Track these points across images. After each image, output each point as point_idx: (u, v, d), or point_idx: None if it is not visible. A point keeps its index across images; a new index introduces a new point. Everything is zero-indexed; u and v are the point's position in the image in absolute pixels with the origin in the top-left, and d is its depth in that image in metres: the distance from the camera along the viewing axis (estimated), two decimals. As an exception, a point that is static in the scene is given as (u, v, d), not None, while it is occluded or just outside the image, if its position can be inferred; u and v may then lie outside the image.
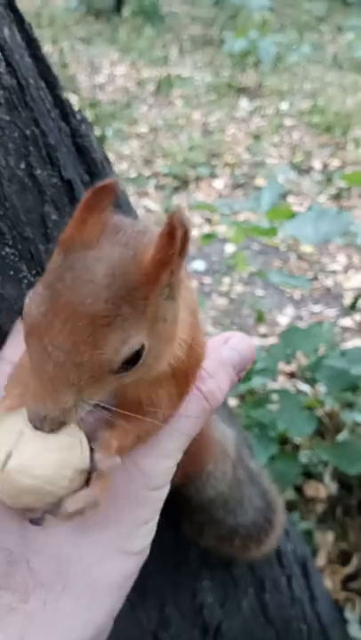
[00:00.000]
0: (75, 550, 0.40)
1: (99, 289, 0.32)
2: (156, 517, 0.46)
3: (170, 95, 5.70)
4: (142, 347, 0.35)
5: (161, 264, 0.33)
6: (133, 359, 0.34)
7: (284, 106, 5.59)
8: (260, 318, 2.37)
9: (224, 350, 0.48)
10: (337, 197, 4.12)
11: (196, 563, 0.78)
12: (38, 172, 0.50)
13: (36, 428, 0.35)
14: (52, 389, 0.33)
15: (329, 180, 4.25)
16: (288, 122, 5.29)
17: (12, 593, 0.39)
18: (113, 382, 0.36)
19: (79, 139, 0.57)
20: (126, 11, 7.53)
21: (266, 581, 0.87)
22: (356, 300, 1.90)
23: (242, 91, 5.86)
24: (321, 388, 1.87)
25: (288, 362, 1.78)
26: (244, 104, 5.63)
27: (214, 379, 0.46)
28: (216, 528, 0.74)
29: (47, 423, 0.34)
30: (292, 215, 1.85)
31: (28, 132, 0.49)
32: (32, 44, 0.54)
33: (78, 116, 0.58)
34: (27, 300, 0.34)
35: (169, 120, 5.13)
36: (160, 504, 0.46)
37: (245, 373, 0.51)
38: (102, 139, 4.22)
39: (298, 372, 2.31)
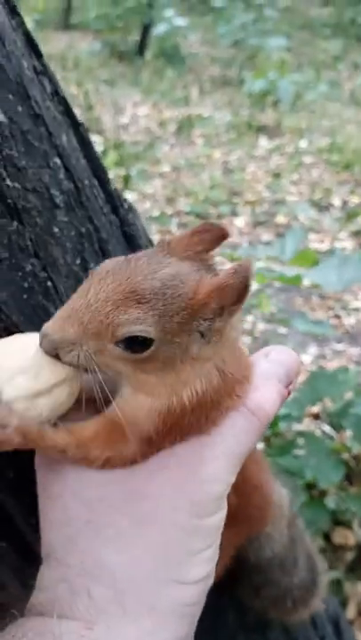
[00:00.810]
0: (130, 579, 0.42)
1: (154, 279, 0.39)
2: (215, 545, 0.45)
3: (191, 135, 5.84)
4: (148, 341, 0.39)
5: (210, 301, 0.39)
6: (135, 344, 0.39)
7: (303, 144, 5.68)
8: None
9: (266, 364, 0.47)
10: (358, 234, 4.14)
11: (232, 626, 0.79)
12: (91, 265, 0.54)
13: (45, 349, 0.40)
14: (66, 319, 0.40)
15: (349, 217, 4.28)
16: (307, 159, 5.37)
17: (78, 621, 0.40)
18: (111, 354, 0.40)
19: (127, 227, 0.61)
20: (148, 53, 7.79)
21: (300, 642, 0.87)
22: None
23: (261, 129, 5.98)
24: (347, 433, 1.87)
25: (313, 404, 1.79)
26: (264, 142, 5.73)
27: (259, 392, 0.45)
28: (273, 589, 0.74)
29: (46, 341, 0.40)
30: (317, 262, 1.88)
31: (83, 230, 0.54)
32: (86, 145, 0.58)
33: (125, 205, 0.63)
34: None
35: (190, 159, 5.25)
36: (216, 531, 0.45)
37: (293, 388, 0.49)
38: (127, 179, 4.34)
39: (322, 414, 2.31)
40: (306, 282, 1.77)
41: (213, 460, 0.43)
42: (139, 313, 0.39)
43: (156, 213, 4.28)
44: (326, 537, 1.74)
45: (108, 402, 0.44)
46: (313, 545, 0.82)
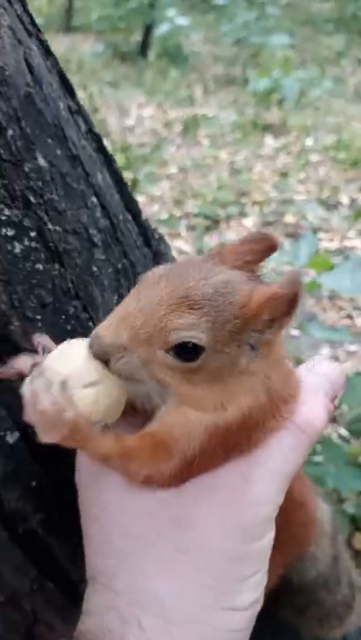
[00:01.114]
0: (179, 609, 0.41)
1: (206, 285, 0.39)
2: (264, 569, 0.44)
3: (197, 135, 5.83)
4: (200, 349, 0.39)
5: (263, 311, 0.39)
6: (187, 352, 0.39)
7: (309, 142, 5.65)
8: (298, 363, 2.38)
9: (311, 378, 0.47)
10: (367, 233, 4.13)
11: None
12: (128, 300, 0.54)
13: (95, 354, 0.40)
14: (119, 323, 0.40)
15: (358, 215, 4.26)
16: (314, 157, 5.35)
17: None
18: (159, 363, 0.40)
19: (160, 259, 0.61)
20: (151, 54, 7.77)
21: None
22: None
23: (267, 128, 5.96)
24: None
25: (332, 420, 1.78)
26: (270, 141, 5.71)
27: (307, 407, 0.44)
28: (318, 609, 0.73)
29: (97, 345, 0.40)
30: (331, 267, 1.87)
31: (119, 266, 0.54)
32: (118, 181, 0.59)
33: (156, 235, 0.63)
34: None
35: (197, 160, 5.24)
36: (265, 555, 0.44)
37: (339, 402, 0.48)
38: (135, 182, 4.34)
39: (339, 418, 2.30)
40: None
41: (261, 481, 0.42)
42: (193, 318, 0.38)
43: (164, 216, 4.28)
44: (347, 543, 1.74)
45: (153, 415, 0.44)
46: (350, 561, 0.81)
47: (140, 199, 4.49)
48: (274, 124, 6.03)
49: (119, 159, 4.83)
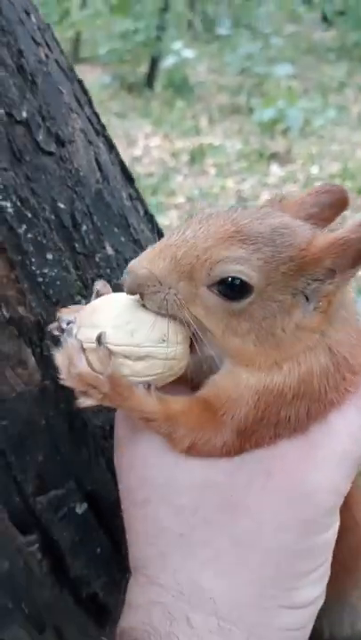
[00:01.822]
0: (233, 607, 0.37)
1: (263, 224, 0.36)
2: (327, 563, 0.39)
3: (203, 164, 5.93)
4: (248, 288, 0.35)
5: (325, 256, 0.35)
6: (233, 289, 0.35)
7: (314, 170, 5.74)
8: None
9: None
10: (375, 261, 4.18)
11: None
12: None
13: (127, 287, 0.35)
14: (155, 255, 0.36)
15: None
16: (320, 186, 5.43)
17: None
18: (202, 302, 0.35)
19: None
20: (157, 85, 7.95)
21: None
22: None
23: (272, 157, 6.06)
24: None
25: None
26: (276, 170, 5.81)
27: None
28: None
29: (130, 278, 0.35)
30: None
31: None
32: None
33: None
34: None
35: (204, 189, 5.32)
36: (328, 548, 0.39)
37: None
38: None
39: None
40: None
41: (325, 464, 0.37)
42: (243, 252, 0.35)
43: (173, 246, 4.34)
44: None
45: (203, 384, 0.39)
46: None
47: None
48: (279, 152, 6.13)
49: (128, 190, 4.93)
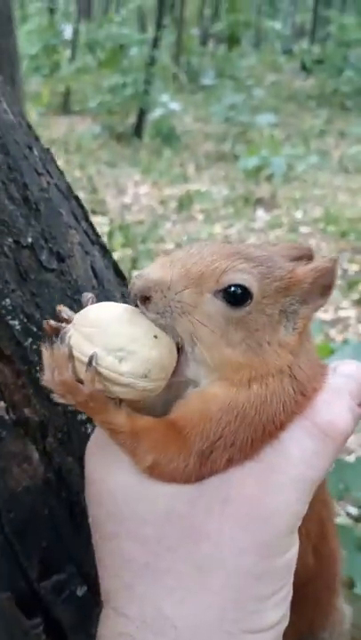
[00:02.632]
0: (195, 634, 0.38)
1: (258, 250, 0.43)
2: (288, 585, 0.40)
3: (191, 210, 6.08)
4: (248, 296, 0.40)
5: (306, 280, 0.42)
6: (235, 297, 0.39)
7: (298, 214, 5.92)
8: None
9: (335, 378, 0.43)
10: (360, 303, 4.27)
11: None
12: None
13: (133, 294, 0.39)
14: (166, 264, 0.40)
15: (350, 285, 4.42)
16: (304, 229, 5.58)
17: None
18: (205, 309, 0.39)
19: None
20: (145, 135, 8.21)
21: None
22: None
23: (258, 202, 6.24)
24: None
25: (340, 499, 1.82)
26: (261, 214, 5.97)
27: (331, 409, 0.41)
28: None
29: (140, 282, 0.39)
30: (331, 351, 1.96)
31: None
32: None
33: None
34: None
35: (192, 234, 5.45)
36: (288, 571, 0.40)
37: None
38: (134, 260, 4.50)
39: (346, 496, 2.32)
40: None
41: (282, 489, 0.38)
42: (246, 266, 0.40)
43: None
44: (364, 633, 1.73)
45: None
46: None
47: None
48: (264, 197, 6.32)
49: (118, 238, 5.02)
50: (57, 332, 0.42)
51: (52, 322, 0.42)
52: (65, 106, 9.38)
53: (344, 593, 1.69)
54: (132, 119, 8.57)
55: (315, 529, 0.48)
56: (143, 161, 7.55)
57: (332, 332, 3.91)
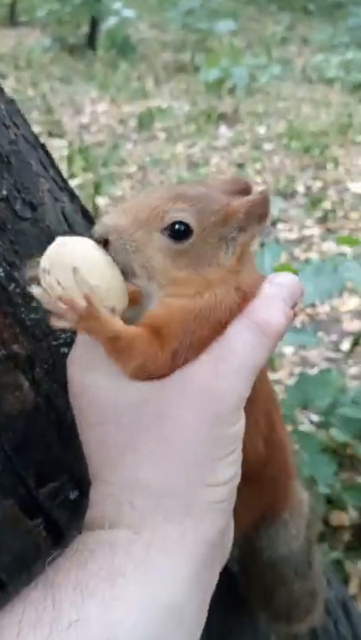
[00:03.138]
0: (166, 489, 0.48)
1: (197, 188, 0.50)
2: (238, 450, 0.49)
3: (152, 129, 5.90)
4: (189, 232, 0.47)
5: (241, 210, 0.49)
6: (179, 233, 0.47)
7: (261, 130, 5.81)
8: (270, 362, 2.57)
9: (271, 287, 0.51)
10: (323, 220, 4.33)
11: (265, 623, 0.97)
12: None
13: (95, 238, 0.47)
14: (119, 212, 0.49)
15: (314, 204, 4.46)
16: (268, 146, 5.51)
17: (127, 528, 0.47)
18: (154, 245, 0.47)
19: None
20: (100, 47, 7.75)
21: (318, 630, 1.06)
22: (356, 341, 2.10)
23: (220, 117, 6.08)
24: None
25: (304, 408, 1.99)
26: (224, 131, 5.85)
27: (266, 311, 0.49)
28: (285, 591, 0.75)
29: (100, 227, 0.47)
30: (294, 272, 2.05)
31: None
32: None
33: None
34: None
35: (154, 155, 5.33)
36: (237, 438, 0.49)
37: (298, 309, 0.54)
38: (97, 185, 4.42)
39: (309, 406, 2.51)
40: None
41: (228, 375, 0.47)
42: (185, 206, 0.48)
43: (128, 216, 4.37)
44: (324, 521, 1.96)
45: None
46: (321, 557, 0.84)
47: (103, 201, 4.58)
48: (227, 112, 6.16)
49: (78, 162, 4.89)
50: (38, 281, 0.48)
51: (30, 274, 0.49)
52: (12, 17, 8.71)
53: (307, 491, 1.87)
54: (85, 29, 8.04)
55: (263, 420, 0.57)
56: (99, 75, 7.18)
57: (297, 251, 4.00)
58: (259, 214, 0.49)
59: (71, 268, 0.45)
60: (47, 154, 0.61)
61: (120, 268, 0.48)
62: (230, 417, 0.48)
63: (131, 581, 0.43)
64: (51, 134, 5.55)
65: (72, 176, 4.60)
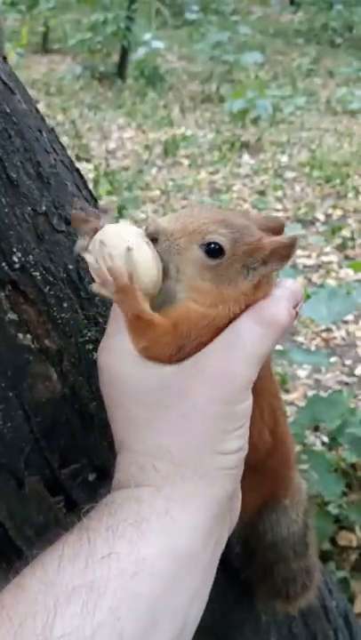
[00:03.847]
0: (184, 455, 0.54)
1: (240, 218, 0.58)
2: (245, 425, 0.56)
3: (176, 155, 6.07)
4: (222, 252, 0.55)
5: (267, 248, 0.56)
6: (213, 251, 0.55)
7: (284, 158, 5.93)
8: (283, 383, 2.62)
9: (277, 289, 0.58)
10: (342, 248, 4.39)
11: (266, 624, 1.02)
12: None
13: (147, 233, 0.54)
14: (172, 219, 0.56)
15: (334, 231, 4.54)
16: (289, 174, 5.62)
17: (149, 486, 0.53)
18: (191, 255, 0.55)
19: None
20: (129, 76, 8.00)
21: (318, 636, 1.10)
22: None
23: (243, 146, 6.22)
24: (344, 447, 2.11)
25: (315, 429, 2.03)
26: (247, 159, 5.98)
27: (272, 306, 0.56)
28: (283, 569, 0.81)
29: (153, 225, 0.54)
30: (308, 296, 2.11)
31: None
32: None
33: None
34: None
35: (177, 181, 5.48)
36: (245, 414, 0.56)
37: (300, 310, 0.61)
38: (121, 208, 4.55)
39: (321, 426, 2.54)
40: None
41: (238, 360, 0.54)
42: (223, 231, 0.55)
43: (150, 239, 4.49)
44: (332, 540, 1.98)
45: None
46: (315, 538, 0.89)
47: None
48: (250, 141, 6.31)
49: (104, 185, 5.05)
50: (84, 221, 0.57)
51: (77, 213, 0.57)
52: (44, 45, 9.08)
53: (315, 509, 1.91)
54: (114, 58, 8.33)
55: (268, 413, 0.64)
56: (127, 103, 7.42)
57: (315, 277, 4.07)
58: (282, 254, 0.57)
59: (125, 247, 0.54)
60: (81, 177, 0.70)
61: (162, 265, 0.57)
62: (239, 396, 0.55)
63: (154, 528, 0.50)
64: (78, 158, 5.74)
65: (97, 198, 4.75)
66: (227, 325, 0.56)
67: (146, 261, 0.54)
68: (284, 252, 0.56)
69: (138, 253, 0.54)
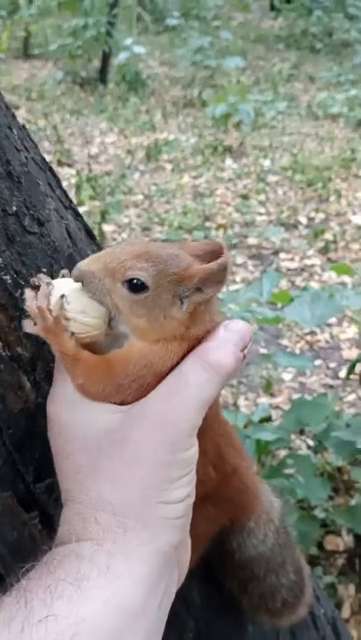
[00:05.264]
0: (127, 506, 0.53)
1: (163, 250, 0.56)
2: (191, 472, 0.55)
3: (159, 160, 6.05)
4: (144, 287, 0.54)
5: (194, 277, 0.55)
6: (136, 287, 0.54)
7: (266, 162, 5.95)
8: (268, 386, 2.61)
9: (224, 332, 0.57)
10: (325, 250, 4.41)
11: (252, 635, 0.99)
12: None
13: (73, 278, 0.54)
14: (93, 260, 0.55)
15: (316, 235, 4.55)
16: (272, 178, 5.63)
17: (91, 540, 0.52)
18: (117, 293, 0.54)
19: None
20: (110, 81, 7.98)
21: (307, 644, 1.08)
22: (351, 369, 2.14)
23: (226, 150, 6.23)
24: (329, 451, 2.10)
25: (300, 433, 2.02)
26: (230, 163, 5.99)
27: (219, 352, 0.55)
28: (258, 585, 0.81)
29: (76, 271, 0.54)
30: (291, 299, 2.10)
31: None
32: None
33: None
34: None
35: (160, 185, 5.46)
36: (191, 461, 0.55)
37: (248, 355, 0.59)
38: (104, 213, 4.52)
39: (306, 429, 2.53)
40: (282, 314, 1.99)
41: (182, 405, 0.53)
42: (143, 265, 0.54)
43: (133, 243, 4.47)
44: (319, 545, 1.96)
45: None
46: (302, 557, 0.89)
47: (109, 228, 4.69)
48: (232, 146, 6.32)
49: (86, 190, 5.02)
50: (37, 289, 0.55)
51: (36, 280, 0.56)
52: (25, 50, 9.03)
53: (299, 512, 1.88)
54: (96, 64, 8.31)
55: (212, 451, 0.64)
56: (109, 108, 7.40)
57: (298, 280, 4.07)
58: (215, 280, 0.55)
59: (60, 293, 0.54)
60: (54, 176, 0.67)
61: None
62: (185, 441, 0.53)
63: (94, 585, 0.48)
64: (60, 163, 5.71)
65: (80, 203, 4.71)
66: (171, 368, 0.55)
67: (81, 304, 0.54)
68: (217, 278, 0.55)
69: (74, 296, 0.54)
